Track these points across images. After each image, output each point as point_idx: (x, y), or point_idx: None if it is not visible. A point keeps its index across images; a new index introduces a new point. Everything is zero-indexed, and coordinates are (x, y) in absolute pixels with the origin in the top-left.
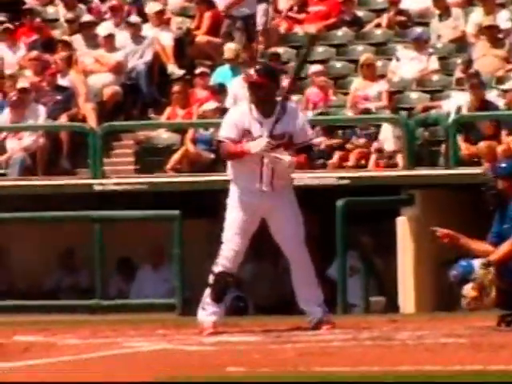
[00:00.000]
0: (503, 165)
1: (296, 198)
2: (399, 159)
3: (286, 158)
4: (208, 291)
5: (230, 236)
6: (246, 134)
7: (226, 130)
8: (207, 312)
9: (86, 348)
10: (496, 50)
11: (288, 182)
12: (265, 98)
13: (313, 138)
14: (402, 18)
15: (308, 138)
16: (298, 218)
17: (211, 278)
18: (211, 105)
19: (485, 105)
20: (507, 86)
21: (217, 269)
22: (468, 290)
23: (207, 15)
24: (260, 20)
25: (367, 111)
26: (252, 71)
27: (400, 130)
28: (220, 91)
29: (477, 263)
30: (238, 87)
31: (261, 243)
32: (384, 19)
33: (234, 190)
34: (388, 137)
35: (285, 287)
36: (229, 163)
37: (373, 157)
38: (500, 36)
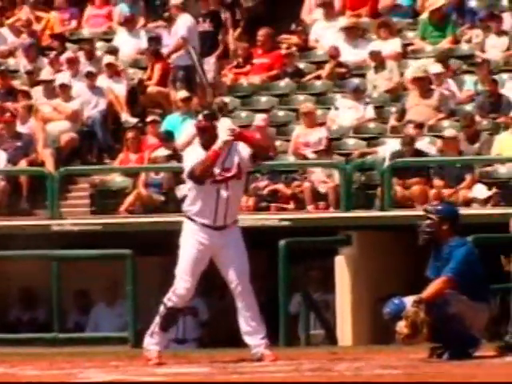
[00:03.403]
0: (448, 208)
1: (242, 237)
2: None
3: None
4: (157, 320)
5: (182, 275)
6: None
7: (191, 159)
8: (154, 341)
9: (44, 379)
10: (426, 100)
11: (237, 218)
12: (212, 140)
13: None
14: (341, 70)
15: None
16: (244, 256)
17: (162, 310)
18: (163, 151)
19: (416, 153)
20: (446, 133)
21: (168, 303)
22: (401, 327)
23: (157, 67)
24: (208, 73)
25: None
26: (199, 117)
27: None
28: (168, 138)
29: (409, 301)
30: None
31: (209, 278)
32: (324, 71)
33: (187, 227)
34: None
35: (232, 320)
36: (186, 200)
37: (308, 198)
38: (432, 87)
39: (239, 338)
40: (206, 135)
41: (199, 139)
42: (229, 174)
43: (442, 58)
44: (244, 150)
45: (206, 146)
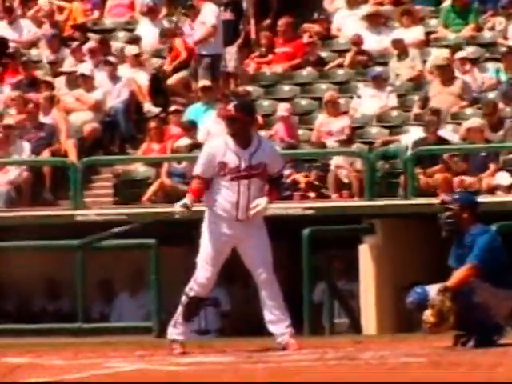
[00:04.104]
0: (466, 196)
1: (265, 226)
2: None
3: (262, 202)
4: (180, 310)
5: (203, 264)
6: (222, 166)
7: (201, 168)
8: (177, 331)
9: (69, 368)
10: (449, 88)
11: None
12: (241, 131)
13: (284, 166)
14: (363, 58)
15: (281, 167)
16: (267, 245)
17: (184, 300)
18: (185, 141)
19: (439, 140)
20: (470, 123)
21: (190, 293)
22: (427, 316)
23: (178, 42)
24: (230, 62)
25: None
26: (229, 106)
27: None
28: (191, 128)
29: (432, 289)
30: (211, 123)
31: (232, 268)
32: (346, 59)
33: (209, 217)
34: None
35: (255, 309)
36: (208, 191)
37: (332, 187)
38: (454, 75)
39: (261, 328)
40: (236, 125)
41: (226, 129)
42: (255, 172)
43: (458, 46)
44: (275, 154)
45: (235, 136)
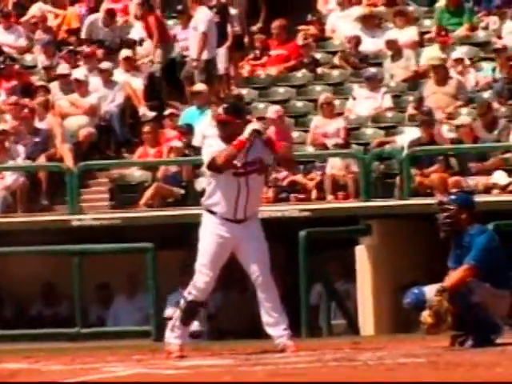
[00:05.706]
0: (463, 196)
1: (262, 228)
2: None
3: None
4: (178, 314)
5: (202, 268)
6: None
7: (211, 150)
8: (175, 334)
9: (67, 373)
10: (443, 87)
11: (257, 211)
12: (233, 133)
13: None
14: (358, 60)
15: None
16: (265, 248)
17: (183, 304)
18: (176, 143)
19: (435, 140)
20: (460, 121)
21: (189, 297)
22: (425, 317)
23: (151, 20)
24: (220, 64)
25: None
26: (220, 110)
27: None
28: (187, 131)
29: (429, 290)
30: (206, 126)
31: (228, 271)
32: (339, 60)
33: (208, 220)
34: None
35: (253, 313)
36: (207, 191)
37: (328, 188)
38: (449, 75)
39: (262, 330)
40: (227, 129)
41: (219, 132)
42: (251, 168)
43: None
44: (266, 147)
45: (227, 139)
